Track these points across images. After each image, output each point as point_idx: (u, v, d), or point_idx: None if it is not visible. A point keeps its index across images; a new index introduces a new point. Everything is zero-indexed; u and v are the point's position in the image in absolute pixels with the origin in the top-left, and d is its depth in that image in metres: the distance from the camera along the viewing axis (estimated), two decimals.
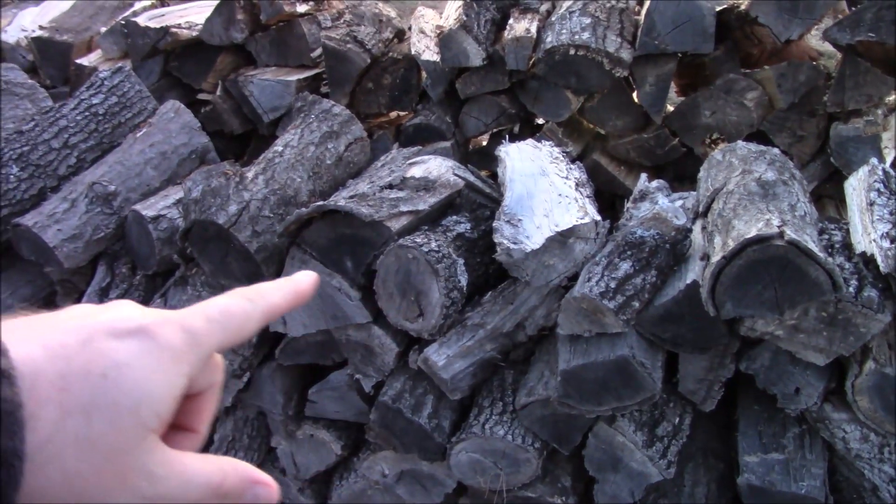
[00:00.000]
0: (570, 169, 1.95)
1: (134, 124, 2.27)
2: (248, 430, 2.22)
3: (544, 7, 2.75)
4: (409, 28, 3.03)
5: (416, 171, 1.99)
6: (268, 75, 2.91)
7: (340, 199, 1.75)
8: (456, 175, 2.04)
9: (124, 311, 0.46)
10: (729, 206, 1.58)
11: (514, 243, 1.69)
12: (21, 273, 2.16)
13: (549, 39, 2.54)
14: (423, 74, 2.87)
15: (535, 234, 1.70)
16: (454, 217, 1.98)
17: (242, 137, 3.17)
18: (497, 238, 1.74)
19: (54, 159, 2.15)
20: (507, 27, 2.68)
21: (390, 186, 1.87)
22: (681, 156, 2.80)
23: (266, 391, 2.05)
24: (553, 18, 2.62)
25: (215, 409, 0.53)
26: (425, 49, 2.80)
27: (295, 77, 2.86)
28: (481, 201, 2.04)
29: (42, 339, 0.42)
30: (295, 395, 2.08)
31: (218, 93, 3.03)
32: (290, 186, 1.90)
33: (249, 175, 1.89)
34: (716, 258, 1.45)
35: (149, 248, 1.99)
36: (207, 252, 1.87)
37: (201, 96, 3.09)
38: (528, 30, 2.61)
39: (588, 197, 1.84)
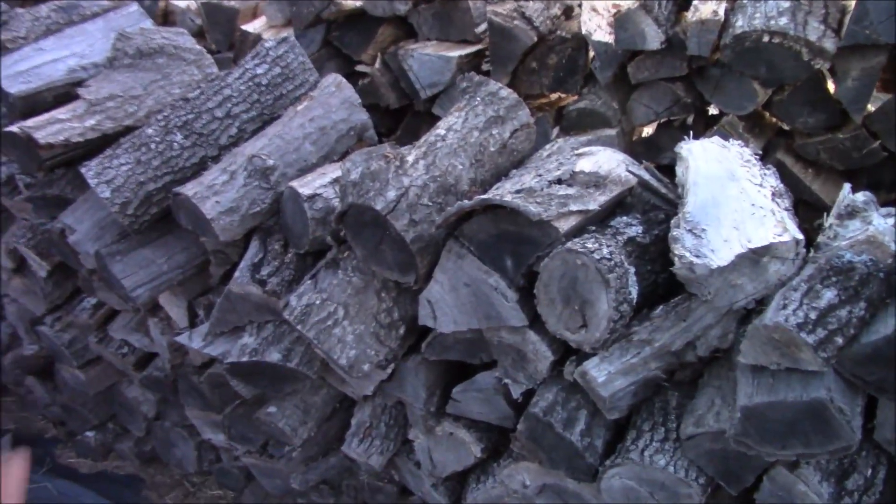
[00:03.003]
0: (765, 175, 1.73)
1: (295, 97, 2.23)
2: (386, 418, 2.16)
3: None
4: (580, 5, 2.84)
5: (585, 165, 1.82)
6: (428, 50, 2.80)
7: (506, 194, 1.62)
8: (629, 171, 1.86)
9: None
10: None
11: (697, 257, 1.50)
12: (178, 240, 2.18)
13: (739, 24, 2.29)
14: (591, 55, 2.68)
15: (721, 249, 1.51)
16: (624, 218, 1.81)
17: (397, 112, 3.10)
18: (677, 249, 1.55)
19: (217, 129, 2.14)
20: (692, 8, 2.44)
21: (559, 181, 1.72)
22: (878, 162, 2.48)
23: (409, 384, 1.97)
24: (745, 0, 2.36)
25: None
26: (597, 28, 2.61)
27: (456, 53, 2.74)
28: (655, 202, 1.86)
29: None
30: (438, 391, 1.99)
31: (377, 65, 2.96)
32: (451, 174, 1.78)
33: (410, 159, 1.79)
34: None
35: (302, 227, 1.93)
36: (362, 237, 1.79)
37: (359, 68, 3.04)
38: (715, 12, 2.36)
39: (787, 210, 1.62)
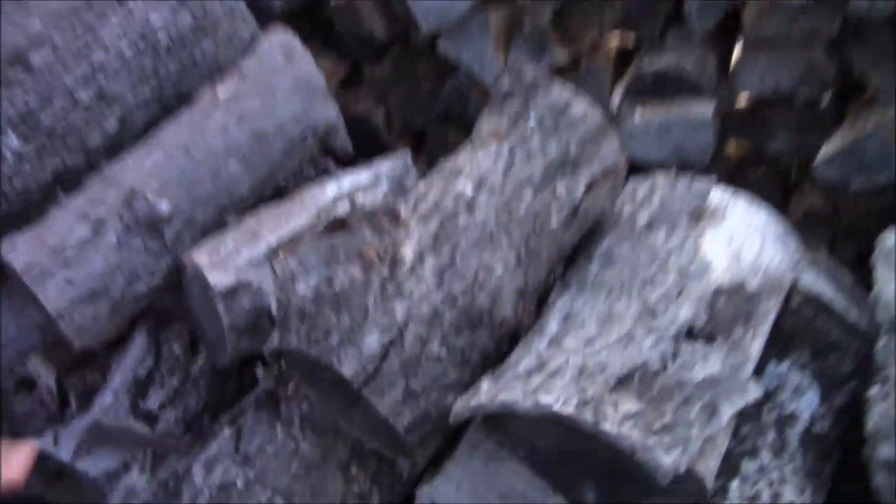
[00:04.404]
0: None
1: (215, 66, 1.33)
2: None
3: None
4: None
5: (718, 262, 1.02)
6: None
7: (600, 391, 0.81)
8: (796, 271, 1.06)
9: None
10: None
11: None
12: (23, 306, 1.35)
13: None
14: None
15: None
16: (787, 371, 1.02)
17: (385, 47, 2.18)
18: (882, 450, 0.80)
19: (81, 121, 1.26)
20: None
21: (690, 334, 0.91)
22: None
23: None
24: None
25: None
26: None
27: None
28: (835, 335, 1.06)
29: None
30: None
31: None
32: (485, 285, 0.96)
33: (408, 256, 0.96)
34: None
35: (218, 333, 1.12)
36: (318, 383, 1.01)
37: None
38: None
39: None
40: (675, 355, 0.87)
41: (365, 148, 2.35)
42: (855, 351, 1.03)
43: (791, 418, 0.96)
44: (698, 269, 1.00)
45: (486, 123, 1.16)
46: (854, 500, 1.00)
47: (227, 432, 1.11)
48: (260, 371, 1.10)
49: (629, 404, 0.79)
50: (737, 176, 1.91)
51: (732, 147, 1.94)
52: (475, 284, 0.97)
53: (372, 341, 0.90)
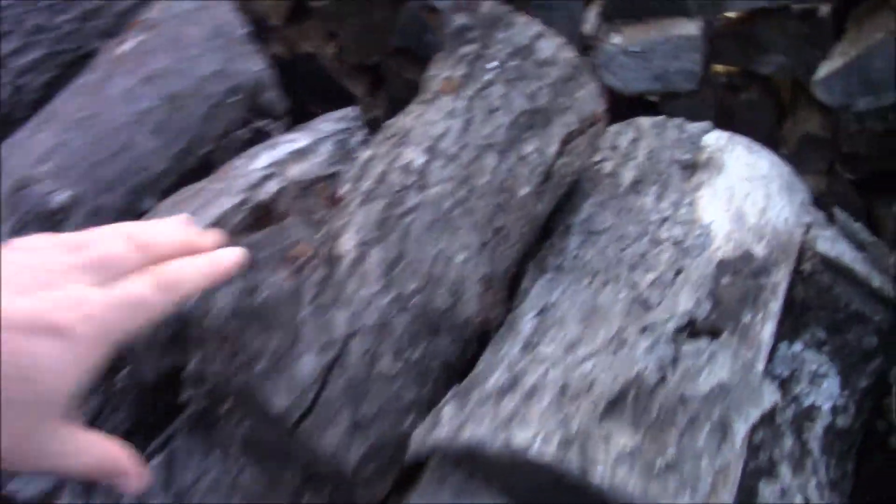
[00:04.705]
0: None
1: (117, 21, 1.12)
2: None
3: None
4: None
5: (718, 223, 0.88)
6: None
7: (588, 422, 0.66)
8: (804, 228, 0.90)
9: (32, 302, 0.46)
10: None
11: None
12: None
13: None
14: None
15: None
16: (802, 350, 0.87)
17: None
18: None
19: None
20: None
21: (691, 329, 0.76)
22: None
23: None
24: None
25: None
26: None
27: None
28: (857, 305, 0.91)
29: None
30: None
31: None
32: (444, 277, 0.80)
33: (348, 251, 0.79)
34: None
35: (136, 345, 0.96)
36: (250, 407, 0.85)
37: None
38: None
39: None
40: (675, 361, 0.71)
41: (317, 90, 2.14)
42: (879, 323, 0.88)
43: (810, 414, 0.82)
44: (697, 241, 0.84)
45: (438, 71, 0.97)
46: (876, 490, 0.87)
47: (156, 461, 0.95)
48: (189, 389, 0.94)
49: (624, 437, 0.64)
50: (726, 101, 1.74)
51: (721, 70, 1.75)
52: (431, 279, 0.80)
53: (307, 365, 0.74)
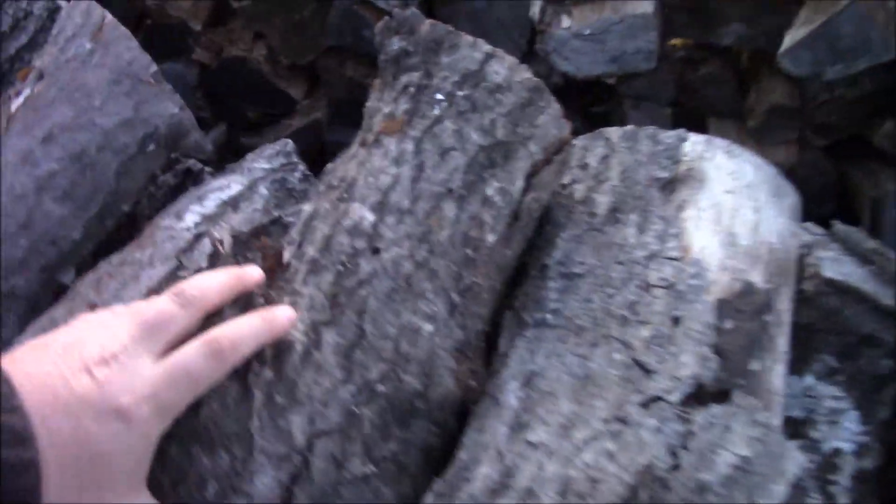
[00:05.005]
0: None
1: (13, 66, 0.98)
2: None
3: None
4: None
5: (710, 251, 0.79)
6: None
7: None
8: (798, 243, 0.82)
9: (99, 386, 0.50)
10: None
11: None
12: None
13: None
14: None
15: None
16: (815, 383, 0.79)
17: None
18: None
19: None
20: None
21: (699, 395, 0.67)
22: None
23: None
24: None
25: None
26: None
27: None
28: (865, 327, 0.83)
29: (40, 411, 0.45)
30: None
31: None
32: (411, 355, 0.69)
33: (295, 336, 0.67)
34: None
35: None
36: None
37: None
38: None
39: None
40: (686, 440, 0.62)
41: (252, 94, 1.99)
42: (893, 343, 0.80)
43: (834, 461, 0.74)
44: (691, 283, 0.74)
45: (377, 103, 0.85)
46: None
47: None
48: None
49: None
50: (686, 76, 1.64)
51: (678, 44, 1.65)
52: (398, 360, 0.70)
53: (266, 482, 0.63)
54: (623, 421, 0.64)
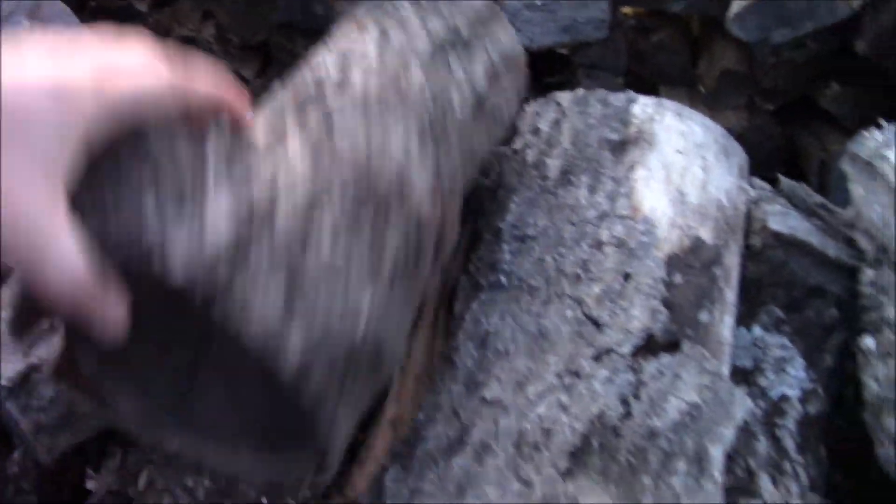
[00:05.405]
0: None
1: None
2: None
3: None
4: None
5: (660, 210, 0.80)
6: None
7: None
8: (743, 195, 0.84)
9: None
10: None
11: None
12: None
13: None
14: None
15: None
16: (765, 335, 0.81)
17: None
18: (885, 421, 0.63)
19: None
20: None
21: (649, 346, 0.68)
22: None
23: None
24: None
25: None
26: None
27: None
28: (811, 278, 0.85)
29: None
30: None
31: None
32: (385, 152, 0.65)
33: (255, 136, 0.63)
34: None
35: (20, 434, 0.82)
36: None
37: None
38: None
39: None
40: (637, 389, 0.63)
41: None
42: (838, 294, 0.82)
43: (781, 407, 0.76)
44: (642, 239, 0.76)
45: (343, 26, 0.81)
46: (844, 465, 0.83)
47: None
48: (92, 478, 0.82)
49: (593, 496, 0.56)
50: (637, 44, 1.65)
51: (629, 13, 1.67)
52: (371, 152, 0.63)
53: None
54: (576, 374, 0.65)
